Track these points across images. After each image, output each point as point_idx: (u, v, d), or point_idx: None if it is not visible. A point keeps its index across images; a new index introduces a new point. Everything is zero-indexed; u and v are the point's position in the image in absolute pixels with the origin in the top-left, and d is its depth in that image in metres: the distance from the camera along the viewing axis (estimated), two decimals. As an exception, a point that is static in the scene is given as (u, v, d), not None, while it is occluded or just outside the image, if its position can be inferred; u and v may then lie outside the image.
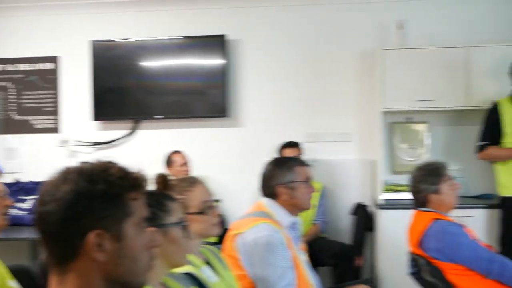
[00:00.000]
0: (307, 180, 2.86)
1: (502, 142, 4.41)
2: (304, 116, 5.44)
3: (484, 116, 4.53)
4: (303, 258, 2.86)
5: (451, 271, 3.07)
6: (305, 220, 4.91)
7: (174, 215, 1.86)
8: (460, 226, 3.20)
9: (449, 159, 4.57)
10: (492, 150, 4.44)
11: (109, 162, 1.40)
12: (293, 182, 2.80)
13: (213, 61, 5.41)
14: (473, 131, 4.59)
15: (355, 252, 4.85)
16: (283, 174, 2.81)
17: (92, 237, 1.32)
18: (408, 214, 3.34)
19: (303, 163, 2.93)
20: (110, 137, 5.62)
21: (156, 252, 1.48)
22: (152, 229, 1.47)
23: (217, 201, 2.44)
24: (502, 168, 4.45)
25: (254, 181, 2.89)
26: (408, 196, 3.37)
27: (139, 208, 1.40)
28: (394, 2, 5.32)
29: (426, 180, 3.24)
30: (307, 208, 2.91)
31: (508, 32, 5.16)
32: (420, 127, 5.21)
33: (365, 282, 3.08)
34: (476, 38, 5.14)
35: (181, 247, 1.85)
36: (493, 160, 4.53)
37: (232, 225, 2.80)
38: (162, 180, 1.98)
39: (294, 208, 2.83)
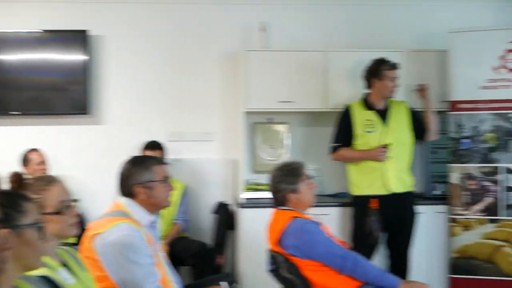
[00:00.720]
0: (165, 179, 2.84)
1: (354, 143, 4.61)
2: (167, 115, 5.41)
3: (336, 119, 4.72)
4: (162, 256, 2.85)
5: (307, 268, 3.18)
6: (166, 219, 4.89)
7: (29, 215, 1.78)
8: (317, 223, 3.32)
9: (307, 159, 4.71)
10: (344, 152, 4.63)
11: None
12: (150, 181, 2.77)
13: (74, 57, 5.24)
14: (330, 132, 4.76)
15: (216, 251, 4.90)
16: (140, 173, 2.77)
17: None
18: (268, 213, 3.41)
19: (161, 162, 2.91)
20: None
21: (9, 255, 1.42)
22: (5, 230, 1.41)
23: (75, 200, 2.37)
24: (353, 169, 4.65)
25: (115, 181, 2.83)
26: (268, 195, 3.45)
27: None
28: (258, 4, 5.42)
29: (285, 180, 3.33)
30: (166, 207, 2.90)
31: (362, 38, 5.43)
32: (280, 127, 5.34)
33: (225, 277, 3.11)
34: (334, 43, 5.37)
35: (36, 249, 1.78)
36: (345, 161, 4.72)
37: (90, 225, 2.72)
38: (16, 179, 1.90)
39: (153, 207, 2.81)
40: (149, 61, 5.41)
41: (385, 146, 4.48)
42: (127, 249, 2.56)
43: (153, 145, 5.00)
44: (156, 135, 5.18)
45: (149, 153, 4.90)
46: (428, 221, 4.88)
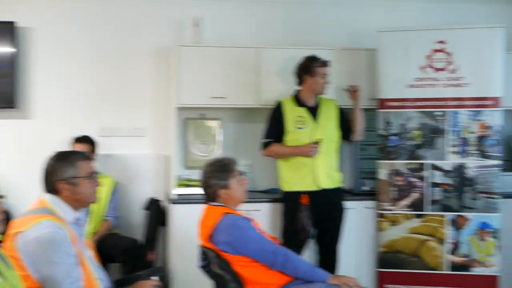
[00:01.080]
0: (91, 175, 2.79)
1: (284, 140, 4.66)
2: (98, 110, 5.32)
3: (268, 115, 4.75)
4: (88, 254, 2.80)
5: (239, 263, 3.20)
6: (96, 216, 4.82)
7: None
8: (248, 219, 3.35)
9: (239, 155, 4.73)
10: (275, 148, 4.67)
11: None
12: (75, 177, 2.70)
13: (1, 49, 5.07)
14: (262, 128, 4.78)
15: (147, 247, 4.86)
16: (64, 169, 2.70)
17: None
18: (200, 209, 3.42)
19: (86, 157, 2.84)
20: None
21: None
22: None
23: (1, 197, 2.31)
24: (284, 165, 4.69)
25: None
26: (200, 191, 3.45)
27: None
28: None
29: (216, 176, 3.34)
30: (92, 203, 2.85)
31: (294, 36, 5.49)
32: (212, 123, 5.34)
33: (156, 271, 3.09)
34: (267, 40, 5.40)
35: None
36: (276, 157, 4.76)
37: (12, 223, 2.64)
38: None
39: (78, 203, 2.75)
40: (80, 54, 5.30)
41: (316, 142, 4.55)
42: (48, 247, 2.49)
43: (83, 139, 4.91)
44: (86, 130, 5.08)
45: (78, 147, 4.81)
46: (357, 216, 4.98)
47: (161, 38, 5.37)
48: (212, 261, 3.25)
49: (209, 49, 5.07)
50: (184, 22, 5.32)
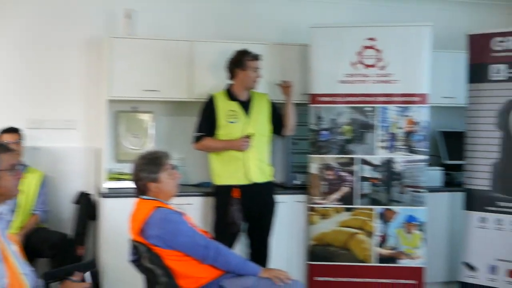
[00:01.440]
0: (13, 167, 2.70)
1: (217, 133, 4.66)
2: (27, 102, 5.17)
3: (200, 108, 4.74)
4: (12, 249, 2.72)
5: (170, 257, 3.20)
6: (24, 210, 4.72)
7: None
8: (180, 213, 3.34)
9: (172, 148, 4.69)
10: (207, 141, 4.66)
11: None
12: None
13: None
14: (195, 122, 4.78)
15: (77, 242, 4.78)
16: None
17: None
18: (131, 203, 3.39)
19: (7, 149, 2.75)
20: None
21: None
22: None
23: None
24: (215, 158, 4.70)
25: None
26: (131, 184, 3.42)
27: None
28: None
29: (146, 169, 3.31)
30: (14, 196, 2.76)
31: (228, 29, 5.48)
32: (145, 116, 5.29)
33: (87, 265, 3.04)
34: (200, 33, 5.38)
35: None
36: (208, 151, 4.75)
37: None
38: None
39: (0, 197, 2.68)
40: (7, 44, 5.15)
41: (248, 136, 4.57)
42: None
43: (10, 130, 4.79)
44: (14, 122, 4.93)
45: (6, 137, 4.69)
46: (288, 210, 5.04)
47: (93, 29, 5.26)
48: (143, 256, 3.23)
49: (142, 41, 5.01)
50: (116, 14, 5.22)
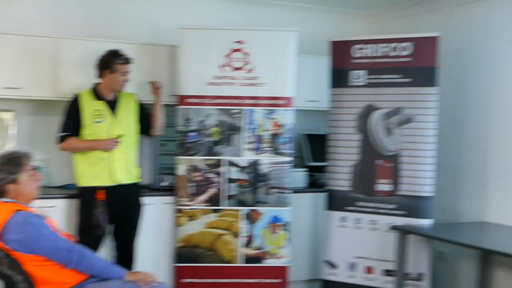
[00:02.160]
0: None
1: (82, 133, 4.55)
2: None
3: (65, 107, 4.61)
4: None
5: (31, 263, 3.09)
6: None
7: None
8: (41, 217, 3.24)
9: (35, 149, 4.57)
10: (72, 141, 4.53)
11: None
12: None
13: None
14: (59, 122, 4.64)
15: None
16: None
17: None
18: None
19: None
20: None
21: None
22: None
23: None
24: (80, 159, 4.58)
25: None
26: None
27: None
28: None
29: (4, 169, 3.19)
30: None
31: (96, 28, 5.35)
32: (6, 115, 5.06)
33: None
34: (66, 30, 5.21)
35: None
36: (73, 151, 4.62)
37: None
38: None
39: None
40: None
41: (117, 138, 4.50)
42: None
43: None
44: None
45: None
46: (156, 212, 5.01)
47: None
48: (1, 261, 3.09)
49: (2, 36, 4.78)
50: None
